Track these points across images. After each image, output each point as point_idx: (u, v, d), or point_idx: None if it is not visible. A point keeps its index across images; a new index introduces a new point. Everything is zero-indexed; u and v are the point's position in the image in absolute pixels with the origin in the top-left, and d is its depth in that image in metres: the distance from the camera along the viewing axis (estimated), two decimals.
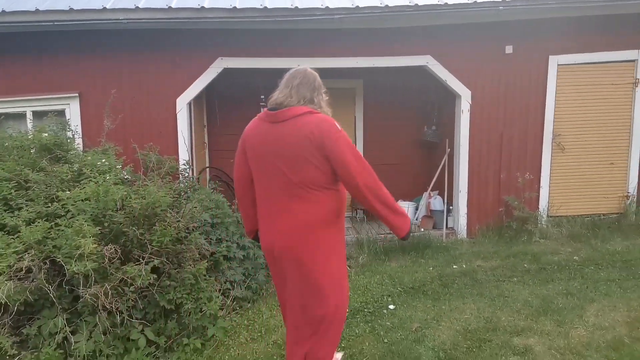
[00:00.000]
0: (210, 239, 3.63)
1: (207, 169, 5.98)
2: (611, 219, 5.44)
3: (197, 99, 5.45)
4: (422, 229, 5.51)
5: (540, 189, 5.38)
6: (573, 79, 5.26)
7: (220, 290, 3.47)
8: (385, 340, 3.14)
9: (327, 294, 2.24)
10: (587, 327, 3.19)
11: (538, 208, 5.38)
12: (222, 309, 3.42)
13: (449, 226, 5.53)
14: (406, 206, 5.84)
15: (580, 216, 5.45)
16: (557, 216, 5.43)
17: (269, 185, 2.23)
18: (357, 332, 3.28)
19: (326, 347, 2.32)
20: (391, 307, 3.67)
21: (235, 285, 3.60)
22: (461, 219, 5.38)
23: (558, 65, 5.18)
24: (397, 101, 6.35)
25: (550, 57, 5.17)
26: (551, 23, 5.10)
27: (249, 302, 3.69)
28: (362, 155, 2.22)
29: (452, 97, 5.46)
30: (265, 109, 2.29)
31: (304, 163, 2.13)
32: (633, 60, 5.26)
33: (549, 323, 3.26)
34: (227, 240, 3.69)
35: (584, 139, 5.39)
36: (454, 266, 4.52)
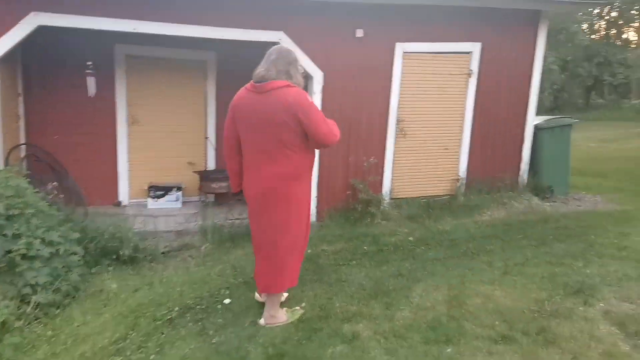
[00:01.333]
0: (5, 234, 3.01)
1: (22, 147, 5.07)
2: (444, 200, 5.91)
3: (7, 62, 4.52)
4: None
5: (384, 172, 5.60)
6: (417, 67, 5.50)
7: (15, 296, 2.90)
8: (214, 341, 2.92)
9: (290, 225, 2.93)
10: (411, 308, 3.33)
11: (381, 191, 5.61)
12: (19, 319, 2.87)
13: None
14: None
15: (419, 198, 5.83)
16: (398, 198, 5.73)
17: (256, 143, 2.83)
18: (183, 334, 3.00)
19: (274, 273, 3.03)
20: (227, 301, 3.46)
21: (39, 289, 3.05)
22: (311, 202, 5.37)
23: (404, 52, 5.37)
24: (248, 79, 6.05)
25: (397, 44, 5.33)
26: (398, 10, 5.23)
27: (57, 308, 3.17)
28: (318, 117, 2.76)
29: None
30: (252, 81, 2.84)
31: (283, 127, 2.72)
32: (469, 52, 5.67)
33: (377, 306, 3.34)
34: (27, 236, 3.10)
35: (423, 125, 5.71)
36: None
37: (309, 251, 4.47)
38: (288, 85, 2.76)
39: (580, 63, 24.95)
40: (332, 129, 2.83)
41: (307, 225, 3.18)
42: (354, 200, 5.45)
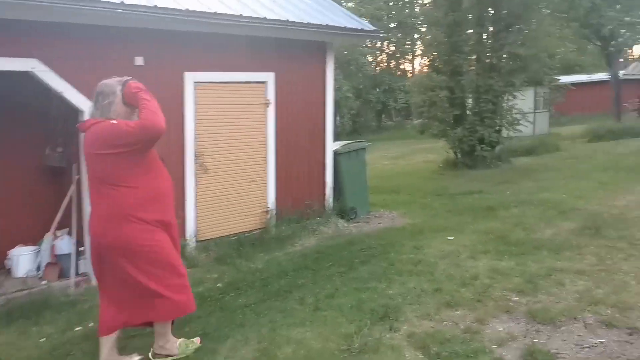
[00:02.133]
0: None
1: None
2: (256, 234, 5.64)
3: None
4: (45, 282, 4.34)
5: (186, 214, 5.06)
6: (213, 97, 5.15)
7: None
8: None
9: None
10: None
11: (184, 235, 5.04)
12: None
13: (80, 272, 4.54)
14: (25, 254, 4.53)
15: (229, 236, 5.43)
16: (206, 240, 5.24)
17: None
18: None
19: None
20: None
21: None
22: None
23: (195, 82, 4.97)
24: (11, 115, 4.91)
25: (186, 73, 4.90)
26: (186, 37, 4.82)
27: None
28: None
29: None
30: None
31: None
32: (264, 82, 5.56)
33: None
34: None
35: (226, 159, 5.37)
36: (78, 328, 3.61)
37: (90, 324, 3.66)
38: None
39: (370, 91, 28.22)
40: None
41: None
42: None
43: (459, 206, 6.84)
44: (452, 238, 5.30)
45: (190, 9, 4.42)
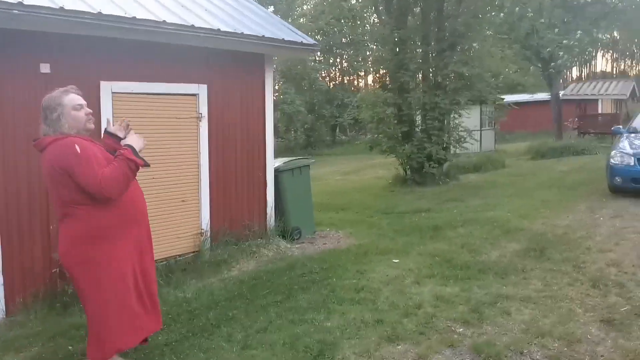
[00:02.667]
0: None
1: None
2: (188, 259, 5.16)
3: None
4: None
5: None
6: (134, 110, 4.67)
7: None
8: None
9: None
10: None
11: None
12: None
13: None
14: None
15: (157, 262, 4.90)
16: None
17: None
18: None
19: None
20: None
21: None
22: None
23: (113, 93, 4.48)
24: None
25: (102, 83, 4.41)
26: (102, 44, 4.34)
27: None
28: None
29: None
30: None
31: None
32: (195, 95, 5.15)
33: None
34: None
35: (152, 177, 4.87)
36: None
37: None
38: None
39: (324, 105, 28.20)
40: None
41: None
42: (63, 279, 4.19)
43: (406, 226, 6.64)
44: (398, 261, 5.04)
45: (104, 12, 3.95)
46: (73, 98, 2.71)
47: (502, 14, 12.35)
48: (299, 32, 5.99)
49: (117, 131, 3.01)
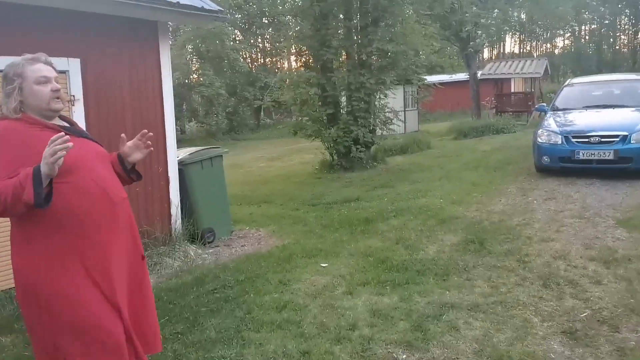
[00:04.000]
0: None
1: None
2: None
3: None
4: None
5: None
6: None
7: None
8: None
9: None
10: None
11: None
12: None
13: None
14: None
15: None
16: None
17: None
18: None
19: None
20: None
21: None
22: None
23: None
24: None
25: None
26: None
27: None
28: None
29: None
30: None
31: None
32: (64, 72, 4.03)
33: None
34: None
35: None
36: None
37: None
38: None
39: (246, 87, 26.91)
40: None
41: None
42: None
43: (335, 219, 5.97)
44: (327, 265, 4.35)
45: None
46: (39, 68, 2.03)
47: None
48: None
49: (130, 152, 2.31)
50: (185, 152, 5.38)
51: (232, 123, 27.12)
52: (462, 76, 24.48)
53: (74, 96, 4.06)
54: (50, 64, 2.09)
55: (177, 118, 24.69)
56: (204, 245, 5.26)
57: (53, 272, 1.93)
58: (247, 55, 32.16)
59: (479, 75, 19.53)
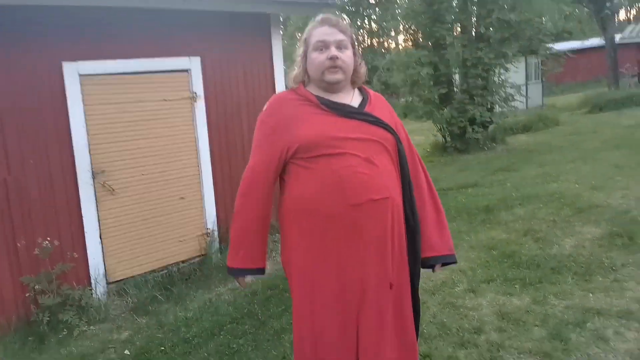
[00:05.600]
0: None
1: None
2: (193, 265, 4.40)
3: None
4: None
5: (87, 251, 3.78)
6: (110, 94, 3.82)
7: None
8: None
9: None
10: None
11: (87, 280, 3.78)
12: None
13: None
14: None
15: (155, 272, 4.18)
16: (120, 281, 3.99)
17: None
18: None
19: None
20: None
21: None
22: None
23: (80, 75, 3.63)
24: None
25: (65, 64, 3.56)
26: (60, 14, 3.49)
27: None
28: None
29: None
30: None
31: None
32: (186, 70, 4.25)
33: None
34: None
35: (140, 173, 4.07)
36: None
37: None
38: None
39: None
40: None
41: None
42: (37, 306, 3.49)
43: (452, 207, 5.60)
44: None
45: None
46: (322, 32, 1.72)
47: None
48: None
49: None
50: None
51: None
52: (595, 41, 21.59)
53: (196, 93, 4.26)
54: (337, 26, 1.72)
55: None
56: None
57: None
58: (355, 38, 31.92)
59: (617, 39, 17.04)
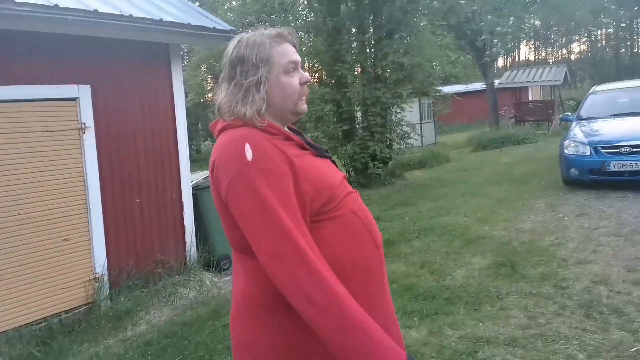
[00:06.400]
0: None
1: None
2: (78, 315, 3.96)
3: None
4: None
5: None
6: None
7: None
8: None
9: None
10: None
11: None
12: None
13: None
14: None
15: (30, 325, 3.68)
16: None
17: None
18: None
19: None
20: None
21: None
22: None
23: None
24: None
25: None
26: None
27: None
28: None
29: None
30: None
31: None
32: (74, 99, 3.93)
33: None
34: None
35: (17, 212, 3.63)
36: None
37: None
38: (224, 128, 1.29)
39: None
40: (275, 225, 1.15)
41: None
42: None
43: None
44: None
45: None
46: (286, 51, 1.33)
47: (435, 2, 11.78)
48: (212, 16, 4.90)
49: None
50: (199, 176, 5.24)
51: None
52: (478, 86, 24.13)
53: (84, 123, 3.94)
54: (295, 43, 1.37)
55: (193, 137, 24.99)
56: (220, 272, 5.08)
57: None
58: None
59: (496, 84, 19.19)
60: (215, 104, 1.35)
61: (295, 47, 1.36)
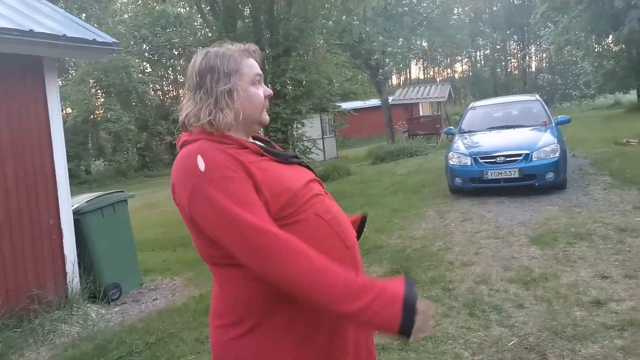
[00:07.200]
0: None
1: None
2: None
3: None
4: None
5: None
6: None
7: None
8: None
9: None
10: None
11: None
12: None
13: None
14: None
15: None
16: None
17: None
18: None
19: None
20: None
21: None
22: None
23: None
24: None
25: None
26: None
27: None
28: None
29: None
30: None
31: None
32: None
33: None
34: None
35: None
36: None
37: None
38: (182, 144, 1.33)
39: (158, 121, 25.87)
40: (243, 229, 1.19)
41: None
42: None
43: None
44: None
45: None
46: (254, 64, 1.40)
47: (330, 22, 12.27)
48: (93, 28, 4.58)
49: None
50: (82, 199, 4.81)
51: (145, 159, 25.84)
52: (375, 102, 25.42)
53: None
54: (258, 62, 1.44)
55: (81, 157, 23.12)
56: (109, 303, 4.68)
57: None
58: (159, 88, 31.08)
59: (390, 100, 20.36)
60: (179, 119, 1.36)
61: (258, 63, 1.44)
